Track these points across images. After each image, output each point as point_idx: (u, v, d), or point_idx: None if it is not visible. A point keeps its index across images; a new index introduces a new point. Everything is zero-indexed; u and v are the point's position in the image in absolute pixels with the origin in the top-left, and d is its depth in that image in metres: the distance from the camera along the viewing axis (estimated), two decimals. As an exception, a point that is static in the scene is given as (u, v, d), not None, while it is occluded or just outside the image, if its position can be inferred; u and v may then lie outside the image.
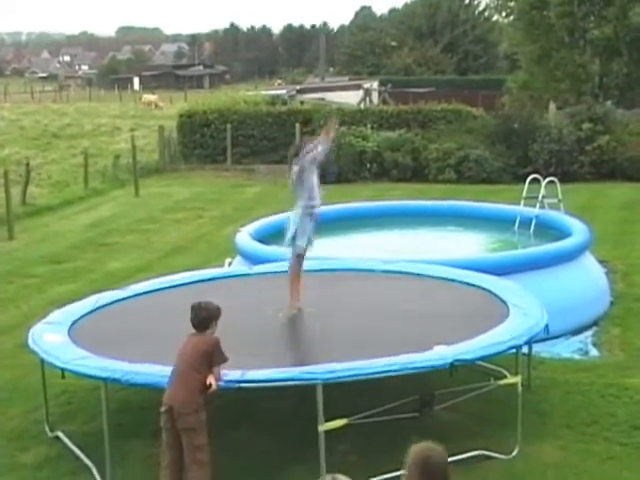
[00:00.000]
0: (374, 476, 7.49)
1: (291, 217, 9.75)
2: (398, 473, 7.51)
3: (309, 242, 9.78)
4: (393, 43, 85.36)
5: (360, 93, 42.70)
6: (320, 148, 9.54)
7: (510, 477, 7.68)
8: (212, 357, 7.00)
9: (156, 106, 62.05)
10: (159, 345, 8.40)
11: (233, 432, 8.65)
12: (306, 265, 11.44)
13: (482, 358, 8.40)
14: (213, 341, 7.05)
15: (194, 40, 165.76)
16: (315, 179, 9.66)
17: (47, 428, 8.90)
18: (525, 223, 15.11)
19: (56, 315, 9.52)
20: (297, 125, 30.61)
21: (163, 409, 7.02)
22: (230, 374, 7.24)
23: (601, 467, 7.86)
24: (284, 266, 11.60)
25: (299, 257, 9.85)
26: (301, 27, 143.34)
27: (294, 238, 9.67)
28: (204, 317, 7.10)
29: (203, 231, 20.48)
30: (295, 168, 9.50)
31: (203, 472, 6.97)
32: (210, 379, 7.00)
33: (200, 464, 6.97)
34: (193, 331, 7.16)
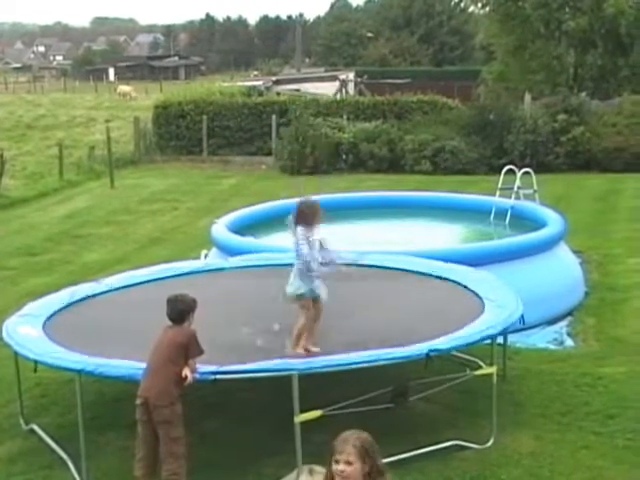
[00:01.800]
0: (350, 467, 7.49)
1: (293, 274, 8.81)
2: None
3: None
4: (369, 34, 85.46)
5: (336, 84, 42.69)
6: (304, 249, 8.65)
7: (485, 467, 7.70)
8: (188, 349, 6.99)
9: (130, 97, 61.74)
10: (134, 338, 8.36)
11: (208, 423, 8.63)
12: (278, 258, 11.34)
13: (457, 348, 8.42)
14: (189, 333, 7.04)
15: (169, 31, 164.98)
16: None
17: (22, 421, 8.85)
18: (501, 214, 15.17)
19: (30, 308, 9.45)
20: (273, 116, 30.60)
21: (138, 401, 7.00)
22: (205, 367, 7.22)
23: (575, 456, 7.90)
24: (260, 258, 11.60)
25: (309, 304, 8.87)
26: (277, 18, 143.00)
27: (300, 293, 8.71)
28: (180, 310, 7.09)
29: (179, 222, 20.43)
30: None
31: (178, 464, 6.95)
32: (186, 371, 6.98)
33: (176, 457, 6.96)
34: (169, 324, 7.14)
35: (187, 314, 7.11)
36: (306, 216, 8.81)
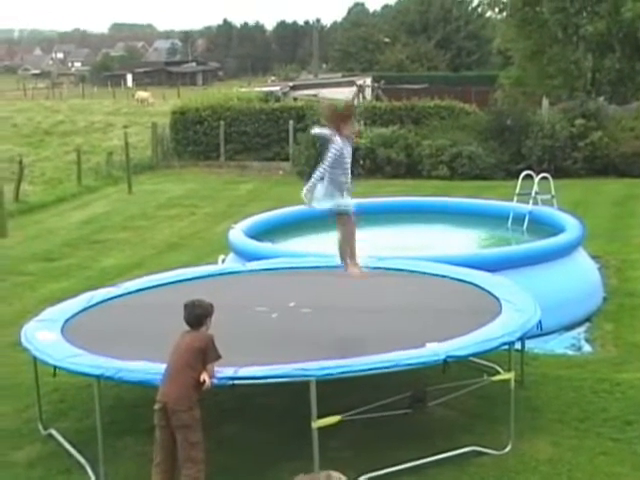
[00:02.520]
0: (367, 473, 7.51)
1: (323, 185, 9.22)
2: (391, 469, 7.56)
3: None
4: (386, 39, 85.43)
5: (353, 89, 42.70)
6: (332, 150, 8.94)
7: (503, 473, 7.69)
8: (206, 354, 7.00)
9: (148, 103, 61.95)
10: (152, 342, 8.39)
11: (226, 428, 8.65)
12: (297, 263, 11.49)
13: (475, 354, 8.40)
14: (207, 338, 7.06)
15: (187, 37, 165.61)
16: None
17: (40, 426, 8.89)
18: (518, 219, 15.13)
19: (49, 313, 9.50)
20: (290, 122, 30.61)
21: (157, 406, 7.01)
22: (223, 371, 7.24)
23: (593, 462, 7.87)
24: (277, 263, 11.63)
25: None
26: (294, 23, 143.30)
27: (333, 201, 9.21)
28: (198, 314, 7.11)
29: (196, 228, 20.47)
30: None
31: (197, 469, 6.96)
32: (204, 376, 7.00)
33: (194, 461, 6.96)
34: (187, 328, 7.15)
35: (204, 318, 7.13)
36: (341, 117, 8.93)
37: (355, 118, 9.14)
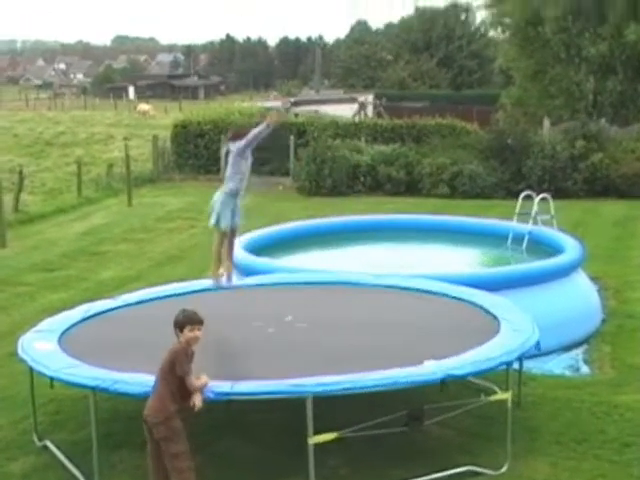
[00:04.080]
0: (363, 490, 7.47)
1: (216, 199, 10.50)
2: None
3: (234, 222, 10.60)
4: (389, 57, 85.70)
5: (355, 106, 42.82)
6: (255, 130, 10.30)
7: (499, 493, 7.66)
8: (173, 368, 6.95)
9: (149, 116, 62.07)
10: (149, 355, 8.35)
11: (222, 443, 8.61)
12: (295, 278, 11.47)
13: (473, 374, 8.38)
14: (174, 350, 6.98)
15: (190, 51, 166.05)
16: (248, 164, 10.51)
17: (35, 437, 8.86)
18: (518, 239, 15.12)
19: (46, 323, 9.48)
20: (291, 137, 30.65)
21: (144, 419, 7.04)
22: (220, 386, 7.22)
23: (591, 484, 7.85)
24: (276, 278, 11.62)
25: (224, 236, 10.66)
26: (297, 40, 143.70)
27: (218, 220, 10.42)
28: (174, 323, 7.06)
29: (196, 241, 20.45)
30: (232, 148, 10.29)
31: (183, 478, 6.93)
32: (195, 399, 6.98)
33: (179, 471, 6.93)
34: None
35: (175, 328, 7.04)
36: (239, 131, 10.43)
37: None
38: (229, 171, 10.48)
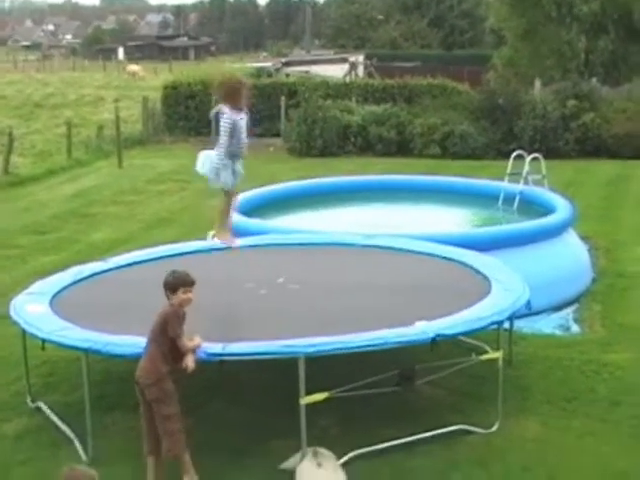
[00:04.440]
0: (355, 450, 7.52)
1: (211, 157, 9.85)
2: (379, 447, 7.58)
3: (235, 177, 9.92)
4: (379, 16, 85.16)
5: (346, 67, 42.59)
6: (227, 119, 9.42)
7: (490, 451, 7.72)
8: (165, 330, 6.95)
9: (139, 77, 61.65)
10: (140, 317, 8.35)
11: (212, 405, 8.65)
12: (287, 239, 11.46)
13: (464, 333, 8.42)
14: (166, 312, 6.95)
15: (179, 11, 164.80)
16: (243, 129, 9.65)
17: (28, 399, 8.88)
18: (509, 199, 15.12)
19: (38, 286, 9.47)
20: (282, 98, 30.53)
21: (135, 381, 7.04)
22: (211, 347, 7.23)
23: (580, 442, 7.91)
24: (268, 239, 11.61)
25: (227, 195, 10.13)
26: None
27: (217, 177, 9.82)
28: (164, 284, 7.04)
29: (187, 203, 20.42)
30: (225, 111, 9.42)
31: (173, 441, 6.93)
32: (187, 361, 6.98)
33: (170, 434, 6.93)
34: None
35: (165, 290, 7.02)
36: (233, 93, 9.28)
37: (245, 91, 9.47)
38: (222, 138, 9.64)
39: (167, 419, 6.92)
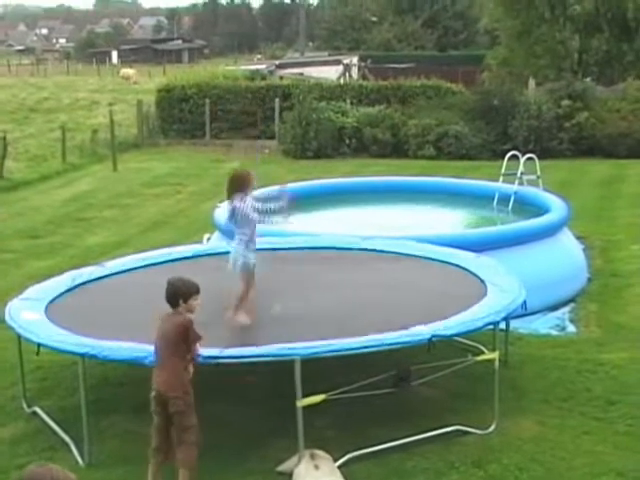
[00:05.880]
0: (352, 451, 7.52)
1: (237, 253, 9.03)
2: (376, 448, 7.58)
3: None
4: (373, 18, 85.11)
5: (340, 68, 42.58)
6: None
7: (487, 452, 7.72)
8: (187, 339, 6.94)
9: (134, 81, 61.56)
10: (137, 321, 8.37)
11: (210, 406, 8.61)
12: (284, 242, 11.46)
13: (460, 334, 8.43)
14: (184, 325, 6.92)
15: (173, 14, 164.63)
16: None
17: (24, 404, 8.87)
18: (504, 199, 15.14)
19: (33, 291, 9.45)
20: (276, 100, 30.53)
21: (152, 394, 6.97)
22: (209, 350, 7.22)
23: (577, 441, 7.92)
24: (262, 242, 11.59)
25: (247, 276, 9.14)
26: (281, 2, 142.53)
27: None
28: (173, 293, 7.00)
29: (182, 206, 20.42)
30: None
31: (190, 452, 6.95)
32: (190, 367, 6.99)
33: (188, 444, 6.96)
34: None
35: (177, 299, 6.94)
36: (242, 183, 8.93)
37: (253, 185, 9.02)
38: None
39: (187, 430, 6.91)
